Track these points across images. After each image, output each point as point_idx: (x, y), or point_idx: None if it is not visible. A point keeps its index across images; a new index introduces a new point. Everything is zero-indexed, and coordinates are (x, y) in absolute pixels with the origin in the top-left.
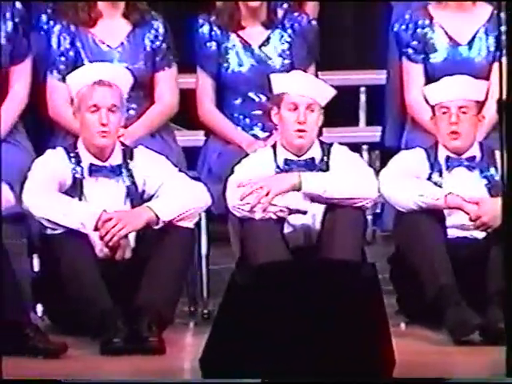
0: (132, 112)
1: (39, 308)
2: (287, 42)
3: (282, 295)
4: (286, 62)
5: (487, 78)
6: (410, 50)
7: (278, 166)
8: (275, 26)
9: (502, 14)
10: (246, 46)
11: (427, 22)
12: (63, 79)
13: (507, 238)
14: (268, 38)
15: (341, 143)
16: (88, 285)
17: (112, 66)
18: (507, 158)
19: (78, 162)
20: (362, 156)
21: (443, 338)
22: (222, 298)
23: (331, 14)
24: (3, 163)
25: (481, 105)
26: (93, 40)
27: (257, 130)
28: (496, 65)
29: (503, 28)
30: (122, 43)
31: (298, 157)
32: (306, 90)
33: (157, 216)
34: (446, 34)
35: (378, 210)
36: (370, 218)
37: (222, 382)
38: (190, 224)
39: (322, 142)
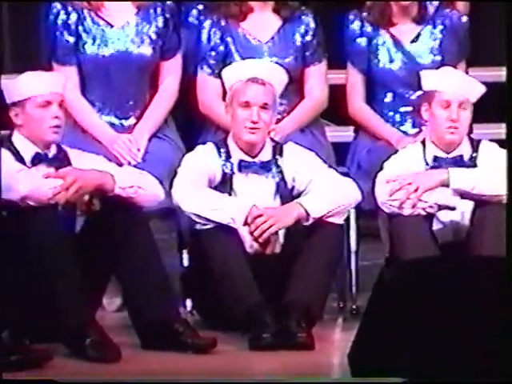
0: (282, 107)
1: (188, 303)
2: (438, 38)
3: (430, 291)
4: (437, 58)
5: None
6: None
7: (426, 163)
8: (426, 22)
9: None
10: (397, 42)
11: None
12: (214, 74)
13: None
14: (418, 35)
15: (490, 140)
16: (238, 280)
17: (268, 64)
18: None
19: (228, 158)
20: None
21: None
22: (371, 294)
23: (482, 10)
24: (154, 157)
25: None
26: (243, 35)
27: (407, 127)
28: None
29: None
30: (273, 38)
31: (447, 153)
32: (458, 87)
33: (307, 212)
34: None
35: None
36: None
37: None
38: (339, 220)
39: (471, 139)
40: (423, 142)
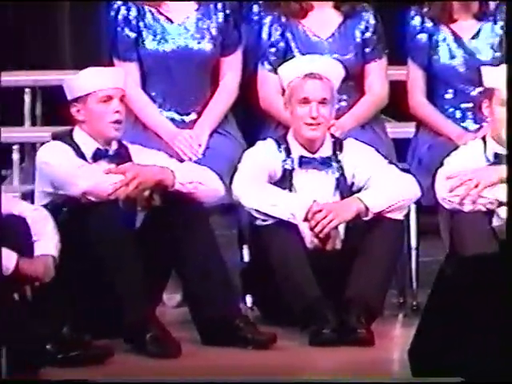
0: (342, 103)
1: (249, 299)
2: (498, 34)
3: (491, 287)
4: (497, 54)
5: None
6: None
7: (487, 159)
8: (487, 18)
9: None
10: (457, 38)
11: None
12: (274, 70)
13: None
14: (479, 31)
15: None
16: (298, 275)
17: (324, 58)
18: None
19: (288, 154)
20: None
21: None
22: (431, 290)
23: None
24: (214, 153)
25: None
26: (303, 31)
27: (468, 123)
28: None
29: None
30: (333, 34)
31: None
32: None
33: (366, 207)
34: None
35: None
36: None
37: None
38: (399, 216)
39: None
40: (484, 139)
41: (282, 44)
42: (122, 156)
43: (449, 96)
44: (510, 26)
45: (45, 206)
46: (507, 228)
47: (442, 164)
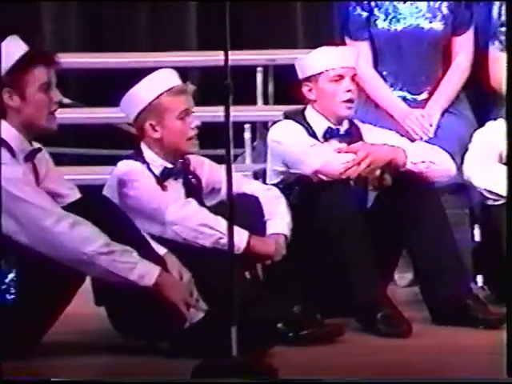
0: None
1: (480, 278)
2: None
3: None
4: None
5: None
6: None
7: None
8: None
9: None
10: None
11: None
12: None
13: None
14: None
15: None
16: None
17: None
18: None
19: None
20: None
21: None
22: None
23: None
24: (446, 133)
25: None
26: None
27: None
28: None
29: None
30: None
31: None
32: None
33: None
34: None
35: None
36: None
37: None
38: None
39: None
40: None
41: None
42: (353, 135)
43: None
44: (510, 26)
45: (276, 184)
46: (507, 228)
47: None
